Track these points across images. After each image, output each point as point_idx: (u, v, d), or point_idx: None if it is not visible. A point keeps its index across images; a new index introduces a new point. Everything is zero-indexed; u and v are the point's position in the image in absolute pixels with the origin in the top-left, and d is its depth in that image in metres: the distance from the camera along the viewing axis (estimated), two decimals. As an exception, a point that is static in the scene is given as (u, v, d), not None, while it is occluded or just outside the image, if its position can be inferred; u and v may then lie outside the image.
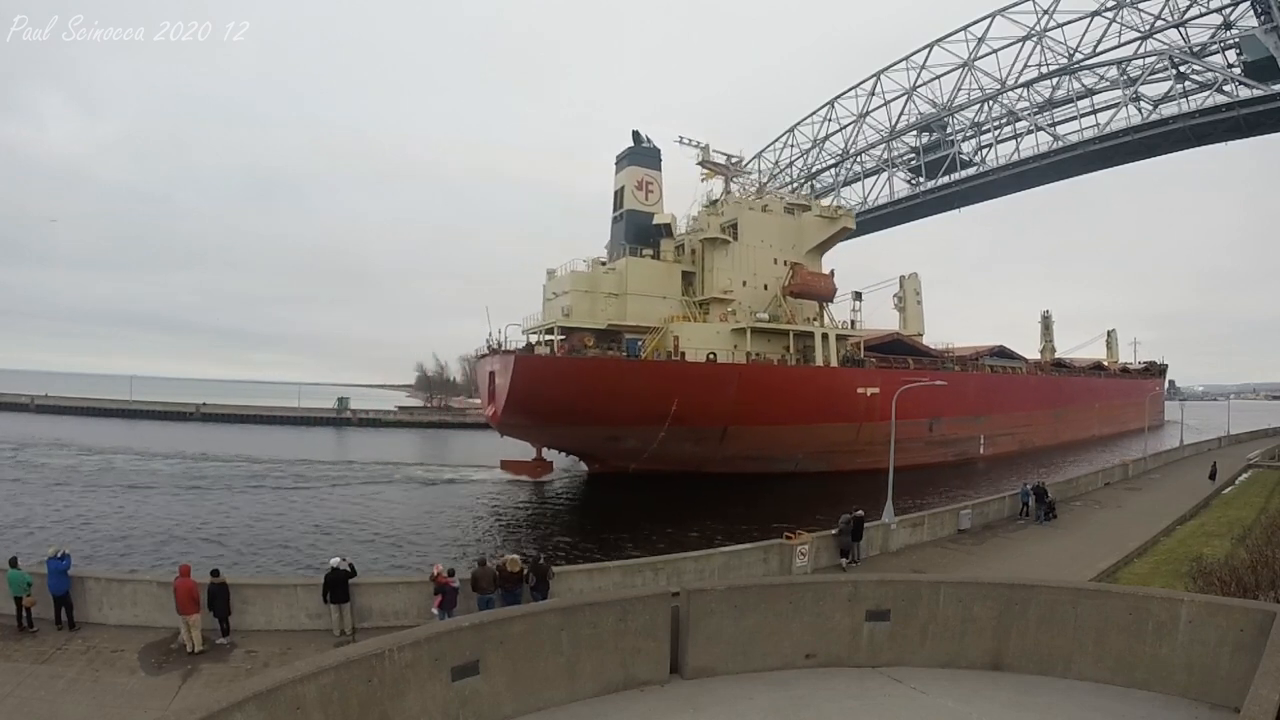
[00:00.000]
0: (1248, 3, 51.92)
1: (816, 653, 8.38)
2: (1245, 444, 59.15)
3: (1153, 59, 56.55)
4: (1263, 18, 50.81)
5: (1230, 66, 52.91)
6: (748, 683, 7.86)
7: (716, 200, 49.66)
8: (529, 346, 41.40)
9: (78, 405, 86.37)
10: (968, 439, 53.40)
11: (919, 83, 70.89)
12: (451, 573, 12.83)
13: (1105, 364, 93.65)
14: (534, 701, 7.15)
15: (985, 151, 69.51)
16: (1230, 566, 12.53)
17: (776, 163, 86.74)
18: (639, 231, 45.28)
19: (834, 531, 18.83)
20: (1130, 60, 57.82)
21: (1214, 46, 54.19)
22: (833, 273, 50.04)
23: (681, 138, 49.98)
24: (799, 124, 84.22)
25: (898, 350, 52.33)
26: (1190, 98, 55.22)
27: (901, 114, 73.73)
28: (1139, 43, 57.30)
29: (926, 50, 69.08)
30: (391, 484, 38.14)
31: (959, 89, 68.10)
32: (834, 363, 44.25)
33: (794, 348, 44.21)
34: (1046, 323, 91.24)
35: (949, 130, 71.89)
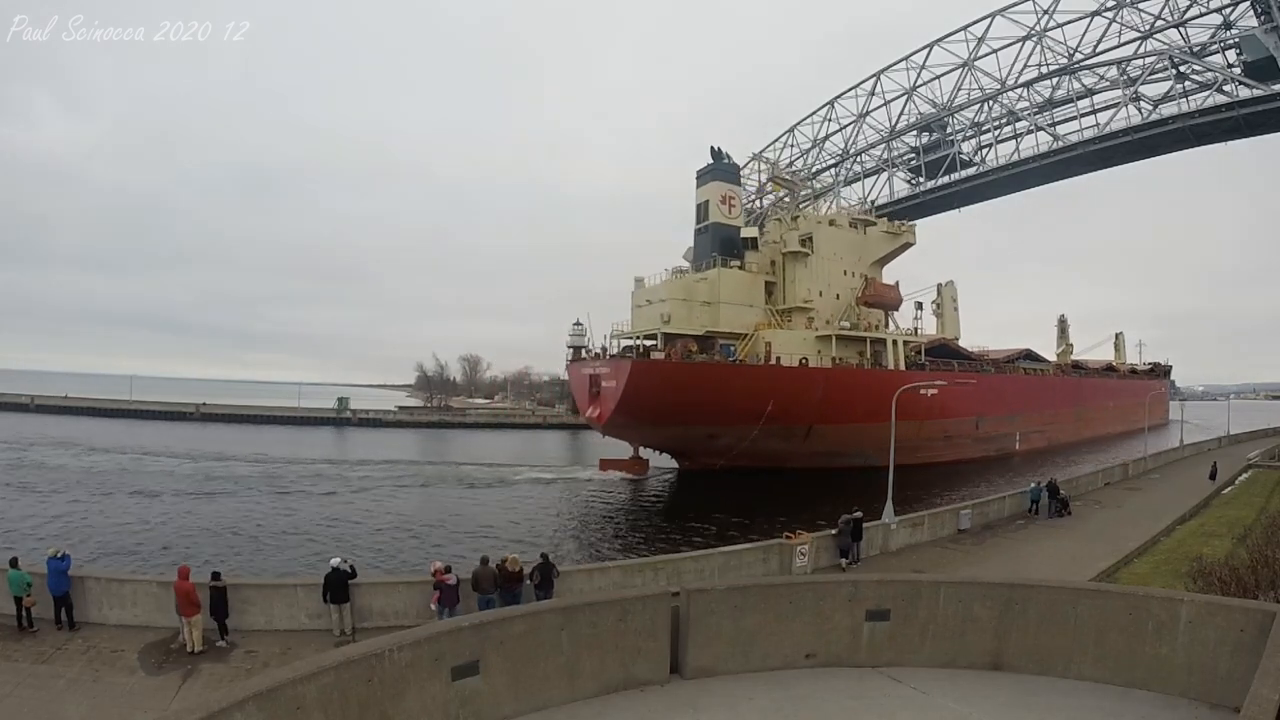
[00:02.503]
0: (1248, 3, 51.85)
1: (816, 652, 8.38)
2: (1245, 444, 59.13)
3: (1153, 59, 56.44)
4: (1263, 18, 50.71)
5: (1230, 66, 52.79)
6: (748, 683, 7.86)
7: (797, 216, 53.56)
8: (638, 351, 43.56)
9: (78, 405, 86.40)
10: (1005, 436, 56.89)
11: (919, 83, 70.67)
12: (449, 569, 12.90)
13: (1115, 365, 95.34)
14: (534, 701, 7.14)
15: (985, 151, 69.33)
16: (1230, 566, 12.52)
17: (775, 163, 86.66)
18: (724, 243, 48.53)
19: (834, 531, 18.85)
20: (1130, 60, 57.70)
21: (1214, 46, 54.07)
22: (897, 284, 54.63)
23: (755, 154, 52.67)
24: (799, 124, 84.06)
25: (944, 354, 55.09)
26: (1190, 98, 55.08)
27: (901, 114, 73.52)
28: (1139, 43, 57.17)
29: (926, 50, 68.88)
30: (413, 487, 38.25)
31: (959, 89, 67.92)
32: (901, 366, 47.86)
33: (868, 352, 47.95)
34: (1063, 326, 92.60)
35: (949, 130, 71.70)
